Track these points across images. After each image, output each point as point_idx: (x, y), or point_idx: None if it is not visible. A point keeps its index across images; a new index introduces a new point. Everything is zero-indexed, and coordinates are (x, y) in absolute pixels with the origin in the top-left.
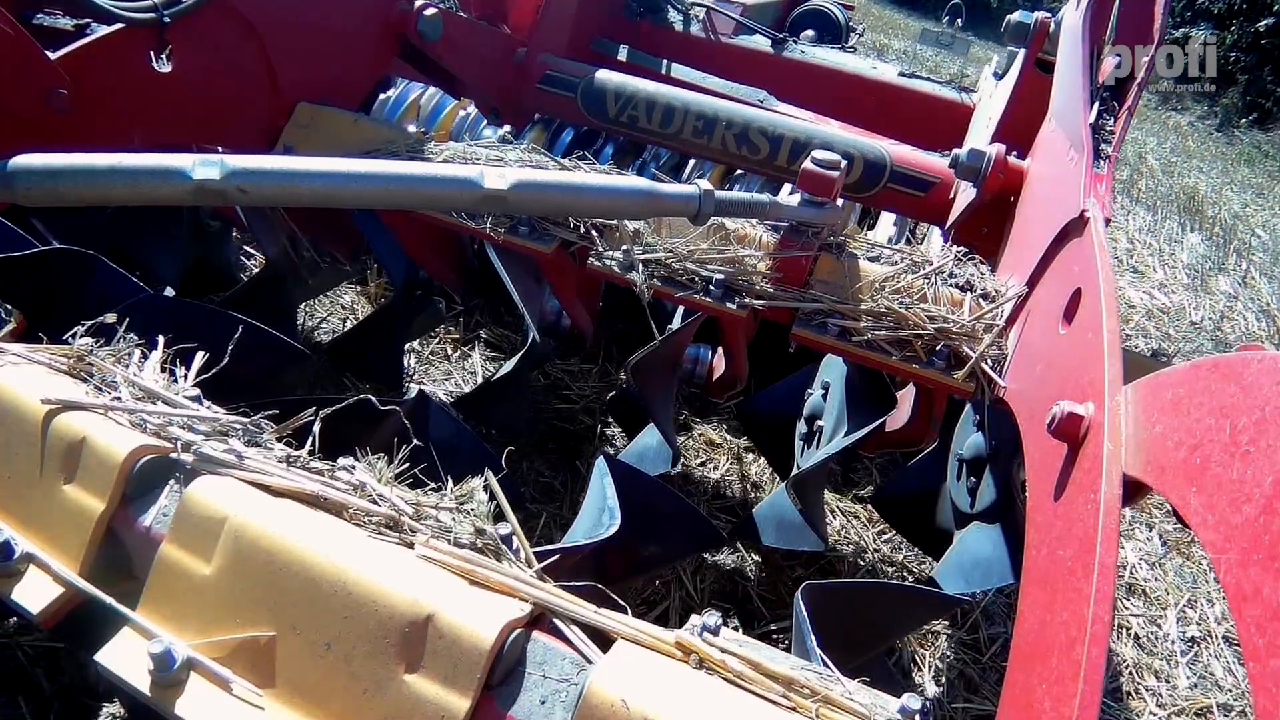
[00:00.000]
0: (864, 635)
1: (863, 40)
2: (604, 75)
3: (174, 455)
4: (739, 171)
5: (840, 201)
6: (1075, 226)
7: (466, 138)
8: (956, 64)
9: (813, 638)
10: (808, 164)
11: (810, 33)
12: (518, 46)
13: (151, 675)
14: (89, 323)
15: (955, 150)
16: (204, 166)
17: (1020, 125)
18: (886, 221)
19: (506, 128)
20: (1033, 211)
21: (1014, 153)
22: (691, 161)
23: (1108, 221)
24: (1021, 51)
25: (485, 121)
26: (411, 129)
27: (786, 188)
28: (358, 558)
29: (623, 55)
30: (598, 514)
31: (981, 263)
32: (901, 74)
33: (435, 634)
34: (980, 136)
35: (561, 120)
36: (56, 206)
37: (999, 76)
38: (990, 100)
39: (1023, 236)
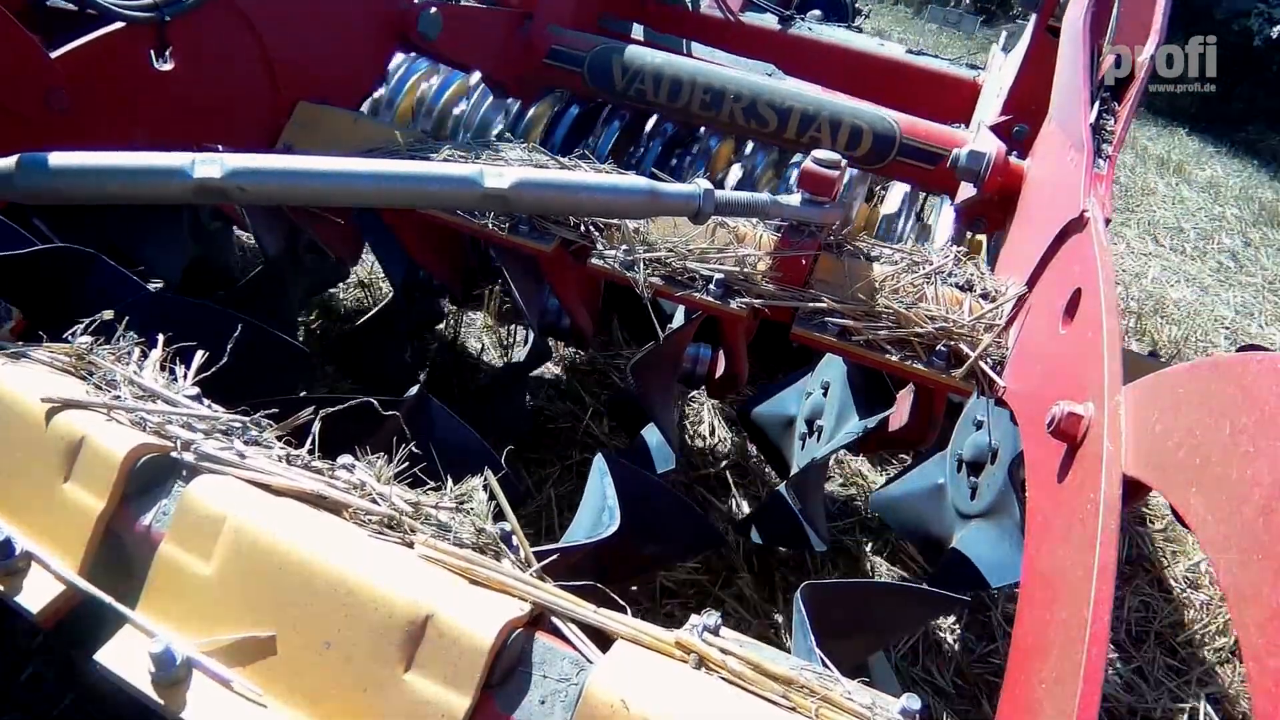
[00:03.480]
0: (864, 634)
1: (867, 21)
2: (610, 47)
3: (174, 454)
4: (751, 143)
5: (850, 174)
6: (1075, 226)
7: (470, 109)
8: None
9: (812, 637)
10: (808, 163)
11: (817, 12)
12: (523, 19)
13: (151, 675)
14: (88, 321)
15: (955, 150)
16: (204, 165)
17: (1031, 93)
18: (895, 196)
19: (513, 101)
20: (1033, 211)
21: (1021, 126)
22: (701, 132)
23: (1108, 221)
24: (1033, 18)
25: (491, 97)
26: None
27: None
28: (357, 557)
29: (636, 33)
30: (597, 513)
31: (981, 262)
32: (909, 51)
33: (435, 633)
34: (991, 108)
35: (568, 98)
36: (57, 205)
37: (1007, 51)
38: (1000, 72)
39: (1023, 236)
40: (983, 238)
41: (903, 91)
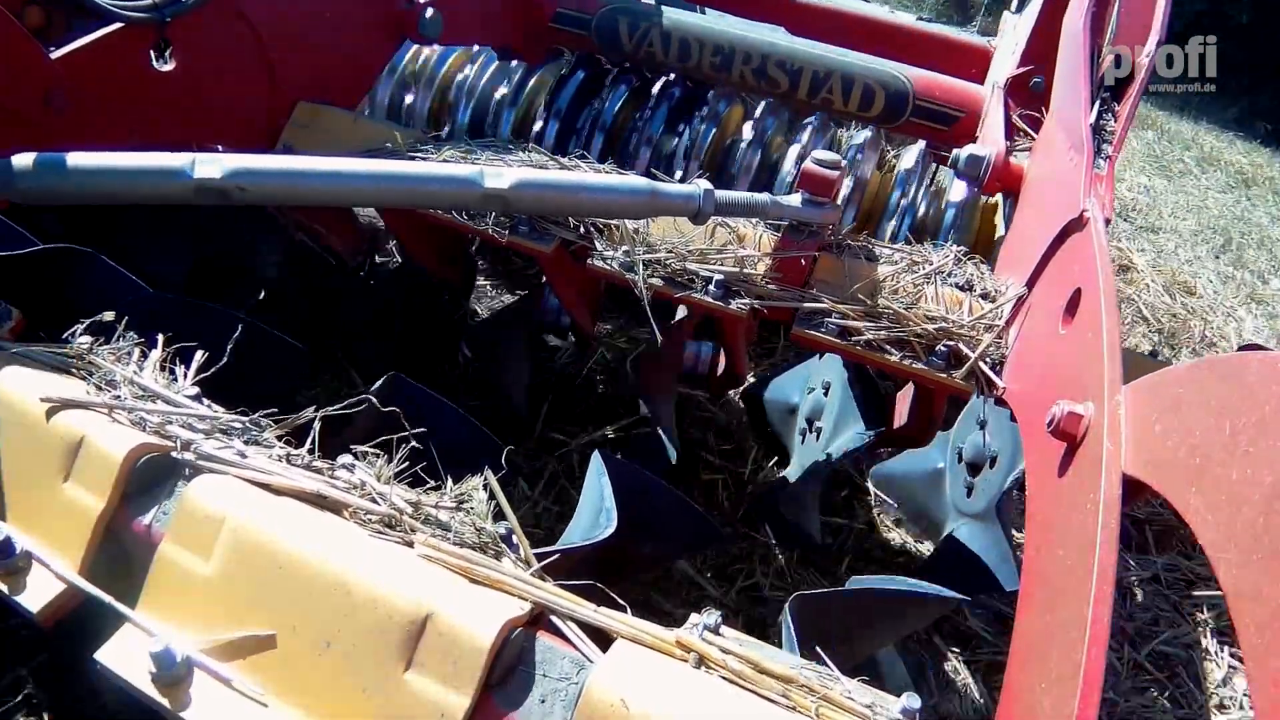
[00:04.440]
0: (860, 640)
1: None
2: (617, 8)
3: (174, 454)
4: (762, 105)
5: (865, 134)
6: (1075, 226)
7: (473, 77)
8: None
9: (797, 652)
10: (808, 164)
11: None
12: None
13: (152, 674)
14: (88, 320)
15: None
16: (204, 165)
17: (1049, 43)
18: (910, 155)
19: (516, 65)
20: (1033, 211)
21: (1039, 79)
22: (710, 96)
23: (1108, 222)
24: None
25: (495, 63)
26: None
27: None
28: (357, 557)
29: None
30: (595, 514)
31: (981, 262)
32: (920, 18)
33: (435, 633)
34: (1005, 66)
35: (574, 62)
36: (58, 205)
37: (1019, 12)
38: (1014, 32)
39: (1023, 236)
40: (999, 198)
41: (914, 59)
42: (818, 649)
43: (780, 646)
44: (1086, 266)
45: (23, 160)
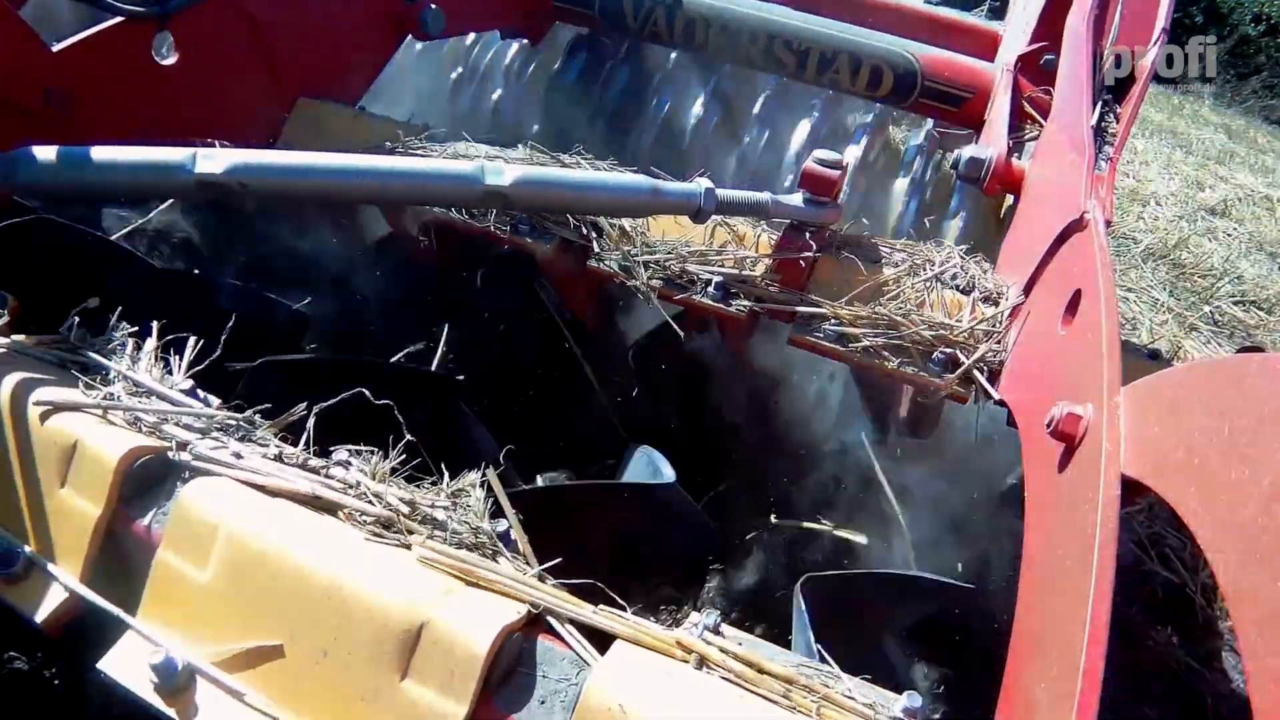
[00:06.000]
0: (869, 624)
1: None
2: None
3: (170, 455)
4: (768, 89)
5: (875, 109)
6: (1076, 227)
7: (477, 53)
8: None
9: (810, 632)
10: (809, 164)
11: None
12: None
13: (153, 684)
14: (79, 308)
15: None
16: (205, 160)
17: (1061, 19)
18: (918, 135)
19: (518, 51)
20: (1034, 212)
21: (1049, 57)
22: (712, 81)
23: (1108, 223)
24: None
25: (500, 38)
26: None
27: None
28: (353, 562)
29: None
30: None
31: (984, 260)
32: (928, 1)
33: (432, 640)
34: (1016, 45)
35: (575, 44)
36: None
37: None
38: (1023, 11)
39: (1023, 236)
40: None
41: (921, 42)
42: (816, 646)
43: (789, 633)
44: (1087, 268)
45: (24, 154)
